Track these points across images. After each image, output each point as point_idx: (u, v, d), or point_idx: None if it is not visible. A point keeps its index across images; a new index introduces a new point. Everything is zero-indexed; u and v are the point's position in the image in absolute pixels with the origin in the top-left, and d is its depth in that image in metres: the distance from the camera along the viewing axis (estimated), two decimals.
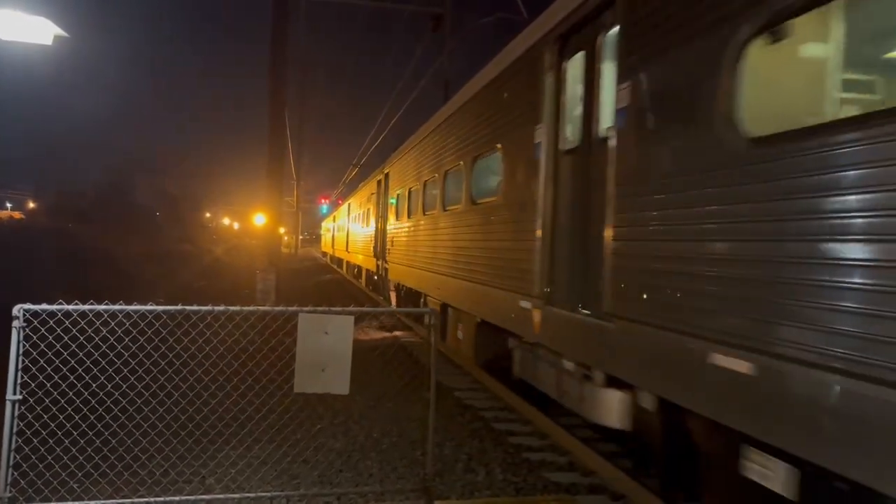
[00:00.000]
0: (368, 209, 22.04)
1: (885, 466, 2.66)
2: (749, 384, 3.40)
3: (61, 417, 5.22)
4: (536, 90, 6.49)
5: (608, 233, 4.98)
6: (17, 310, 4.44)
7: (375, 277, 20.83)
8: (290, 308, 5.01)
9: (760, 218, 3.38)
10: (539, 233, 6.31)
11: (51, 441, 5.13)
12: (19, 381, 4.44)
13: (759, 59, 3.55)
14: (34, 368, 4.86)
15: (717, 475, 4.26)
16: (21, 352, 4.42)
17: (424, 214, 12.18)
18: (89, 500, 4.80)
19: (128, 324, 5.00)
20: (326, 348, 4.85)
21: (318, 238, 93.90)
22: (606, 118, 5.28)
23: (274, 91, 16.13)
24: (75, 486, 5.08)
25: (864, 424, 2.75)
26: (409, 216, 13.90)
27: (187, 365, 6.03)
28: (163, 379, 5.89)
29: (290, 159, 45.55)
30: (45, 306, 4.50)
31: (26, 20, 7.80)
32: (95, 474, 5.17)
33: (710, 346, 3.71)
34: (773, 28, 3.40)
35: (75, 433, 5.27)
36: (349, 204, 32.21)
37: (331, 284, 30.84)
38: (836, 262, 2.94)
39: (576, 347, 5.64)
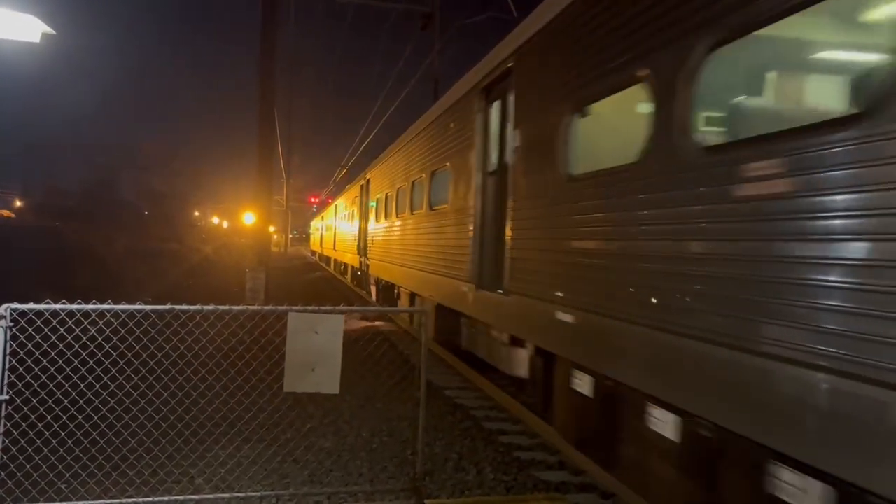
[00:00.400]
0: (353, 211, 23.85)
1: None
2: (573, 327, 5.29)
3: (49, 418, 5.19)
4: (471, 126, 8.40)
5: (507, 233, 6.85)
6: (3, 309, 4.40)
7: (359, 273, 22.62)
8: (280, 307, 5.00)
9: (581, 224, 5.29)
10: (471, 234, 8.13)
11: (38, 441, 5.09)
12: (6, 381, 4.39)
13: (577, 127, 5.56)
14: (21, 368, 4.83)
15: (560, 392, 5.98)
16: (8, 351, 4.38)
17: (397, 217, 13.82)
18: (77, 500, 4.77)
19: (116, 323, 4.97)
20: (316, 348, 4.84)
21: (307, 237, 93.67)
22: (510, 151, 7.00)
23: (263, 89, 16.08)
24: (63, 486, 5.05)
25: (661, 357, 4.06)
26: (385, 218, 15.59)
27: (176, 364, 6.01)
28: (151, 378, 5.87)
29: (279, 158, 45.43)
30: (32, 305, 4.46)
31: (13, 18, 7.73)
32: (83, 475, 5.14)
33: (557, 308, 5.52)
34: (583, 110, 5.47)
35: (63, 433, 5.23)
36: (336, 205, 34.16)
37: (320, 282, 30.80)
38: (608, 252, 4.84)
39: (495, 318, 7.47)
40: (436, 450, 6.54)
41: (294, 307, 4.97)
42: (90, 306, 4.58)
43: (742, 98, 4.07)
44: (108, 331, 5.08)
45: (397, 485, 5.53)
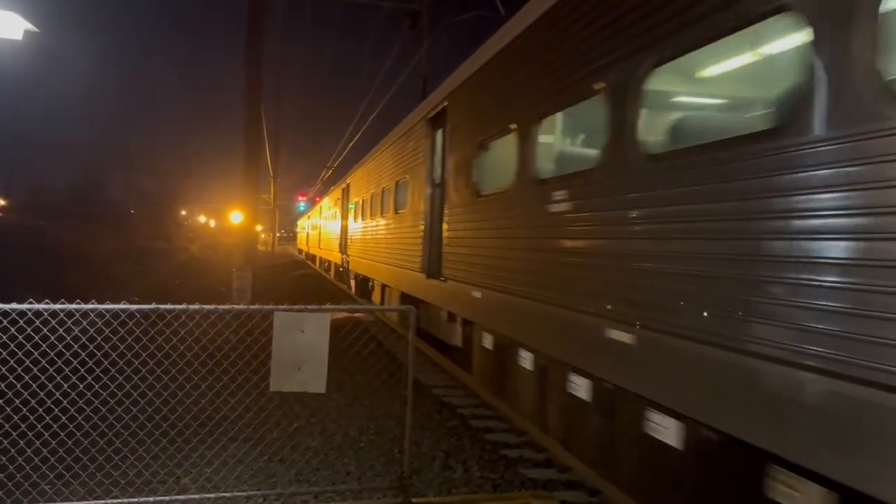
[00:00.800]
0: (336, 212, 26.21)
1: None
2: (480, 301, 7.25)
3: (32, 418, 5.15)
4: (422, 147, 10.43)
5: (444, 233, 8.92)
6: None
7: (341, 269, 25.14)
8: (266, 306, 4.98)
9: (485, 228, 7.24)
10: (422, 233, 10.14)
11: (21, 442, 5.06)
12: None
13: (480, 156, 7.55)
14: (3, 368, 4.79)
15: (476, 349, 8.03)
16: None
17: (371, 219, 15.96)
18: (61, 501, 4.73)
19: (100, 323, 4.94)
20: (303, 347, 4.83)
21: (295, 235, 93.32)
22: (446, 170, 9.04)
23: (250, 87, 16.01)
24: (47, 487, 5.02)
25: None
26: (362, 220, 17.68)
27: (161, 364, 5.97)
28: (136, 378, 5.84)
29: (266, 156, 45.26)
30: (14, 305, 4.42)
31: None
32: (67, 475, 5.10)
33: (472, 288, 7.51)
34: (484, 144, 7.44)
35: (46, 434, 5.19)
36: (320, 206, 36.70)
37: (306, 279, 30.75)
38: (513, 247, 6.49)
39: (438, 300, 9.33)
40: (423, 448, 6.55)
41: (280, 306, 4.96)
42: (74, 306, 4.54)
43: (562, 151, 6.34)
44: (91, 330, 5.05)
45: (385, 483, 5.52)
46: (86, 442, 5.35)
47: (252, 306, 5.16)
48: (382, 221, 14.28)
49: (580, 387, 5.29)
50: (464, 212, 8.03)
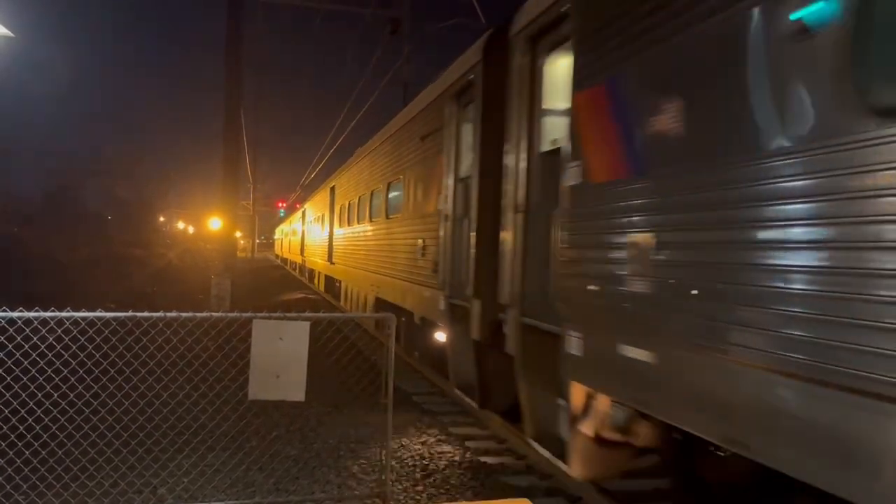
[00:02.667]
0: (294, 229, 31.60)
1: None
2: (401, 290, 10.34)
3: (5, 428, 5.06)
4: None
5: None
6: None
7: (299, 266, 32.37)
8: (245, 314, 4.95)
9: (388, 246, 11.61)
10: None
11: None
12: None
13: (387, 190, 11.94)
14: None
15: (406, 326, 10.81)
16: None
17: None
18: None
19: (75, 331, 4.87)
20: (282, 355, 4.80)
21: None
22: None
23: (229, 93, 15.93)
24: (20, 498, 4.93)
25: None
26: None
27: (138, 373, 5.90)
28: (112, 387, 5.76)
29: (246, 162, 45.04)
30: None
31: None
32: (41, 486, 5.01)
33: (398, 281, 10.80)
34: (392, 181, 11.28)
35: (20, 444, 5.10)
36: (303, 211, 35.82)
37: (284, 279, 30.55)
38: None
39: (380, 292, 12.41)
40: (403, 456, 6.52)
41: (259, 314, 4.93)
42: (48, 314, 4.48)
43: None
44: (66, 339, 4.98)
45: (364, 491, 5.50)
46: (60, 452, 5.26)
47: (231, 314, 5.12)
48: (359, 234, 14.99)
49: None
50: (379, 229, 12.32)
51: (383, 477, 5.19)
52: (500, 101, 6.46)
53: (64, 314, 4.51)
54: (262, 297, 23.34)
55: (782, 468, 2.92)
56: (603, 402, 4.57)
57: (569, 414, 4.83)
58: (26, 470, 5.03)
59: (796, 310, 2.82)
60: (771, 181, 2.96)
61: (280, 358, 4.82)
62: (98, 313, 4.63)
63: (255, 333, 4.81)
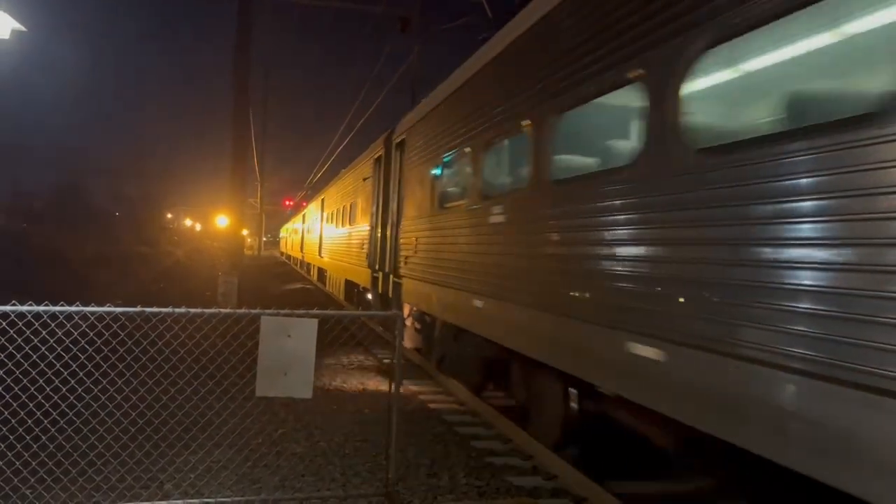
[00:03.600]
0: (316, 219, 32.06)
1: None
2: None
3: (13, 422, 5.08)
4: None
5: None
6: None
7: (315, 267, 34.46)
8: (252, 310, 4.95)
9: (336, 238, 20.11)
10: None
11: (2, 446, 4.98)
12: None
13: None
14: None
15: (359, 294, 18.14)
16: None
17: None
18: None
19: (84, 326, 4.88)
20: (289, 352, 4.80)
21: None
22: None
23: (238, 90, 15.96)
24: (28, 492, 4.94)
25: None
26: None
27: (146, 368, 5.92)
28: (120, 382, 5.78)
29: (254, 160, 45.11)
30: None
31: None
32: (49, 480, 5.03)
33: (346, 266, 18.87)
34: (352, 202, 18.48)
35: (28, 438, 5.13)
36: (303, 214, 43.43)
37: (288, 276, 30.61)
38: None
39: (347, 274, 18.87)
40: (409, 455, 6.52)
41: (266, 310, 4.93)
42: (57, 308, 4.50)
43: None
44: (76, 333, 4.99)
45: (370, 490, 5.49)
46: (67, 446, 5.28)
47: (238, 310, 5.13)
48: (346, 232, 19.60)
49: None
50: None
51: (388, 476, 5.18)
52: (388, 168, 13.22)
53: (73, 308, 4.53)
54: (266, 288, 26.35)
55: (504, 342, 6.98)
56: (413, 310, 11.40)
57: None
58: (34, 463, 5.05)
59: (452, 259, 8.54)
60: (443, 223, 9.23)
61: (287, 355, 4.82)
62: (107, 308, 4.64)
63: (263, 330, 4.81)
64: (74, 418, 5.38)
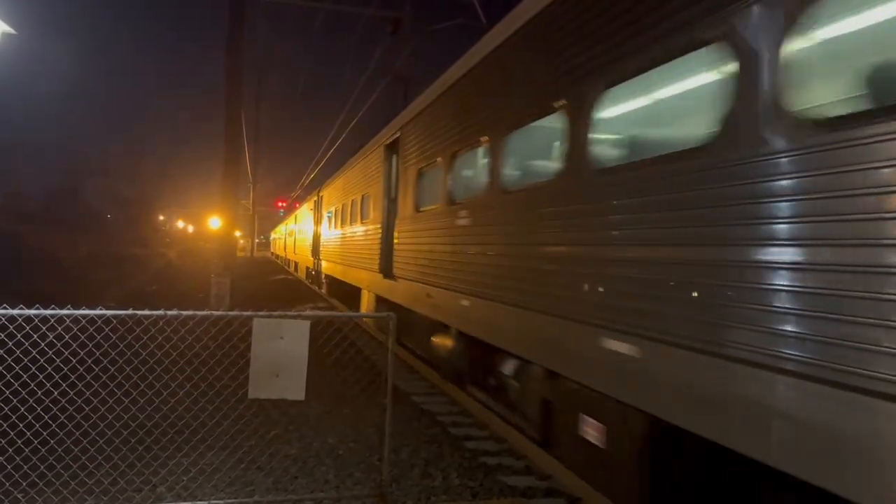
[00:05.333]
0: (289, 230, 39.46)
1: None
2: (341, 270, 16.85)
3: (5, 425, 5.06)
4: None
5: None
6: None
7: (282, 256, 43.13)
8: (245, 312, 4.95)
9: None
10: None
11: None
12: None
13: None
14: None
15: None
16: None
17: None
18: None
19: (76, 329, 4.87)
20: (281, 353, 4.80)
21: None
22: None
23: (230, 92, 15.93)
24: (20, 496, 4.93)
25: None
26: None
27: (138, 371, 5.91)
28: (112, 385, 5.76)
29: (246, 161, 45.04)
30: None
31: None
32: (41, 483, 5.02)
33: (341, 267, 17.76)
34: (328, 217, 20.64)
35: (19, 441, 5.11)
36: (294, 216, 44.16)
37: (279, 273, 30.59)
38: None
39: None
40: (402, 456, 6.52)
41: (259, 312, 4.93)
42: (49, 311, 4.48)
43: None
44: (66, 336, 4.98)
45: (363, 491, 5.50)
46: (59, 450, 5.27)
47: (231, 312, 5.12)
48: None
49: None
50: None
51: (382, 477, 5.19)
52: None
53: (64, 312, 4.52)
54: (258, 284, 27.84)
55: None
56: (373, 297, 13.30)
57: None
58: (25, 467, 5.04)
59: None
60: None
61: (280, 357, 4.82)
62: (98, 311, 4.64)
63: (256, 332, 4.82)
64: (66, 422, 5.36)
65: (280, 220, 70.26)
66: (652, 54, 4.17)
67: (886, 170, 2.67)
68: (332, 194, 20.26)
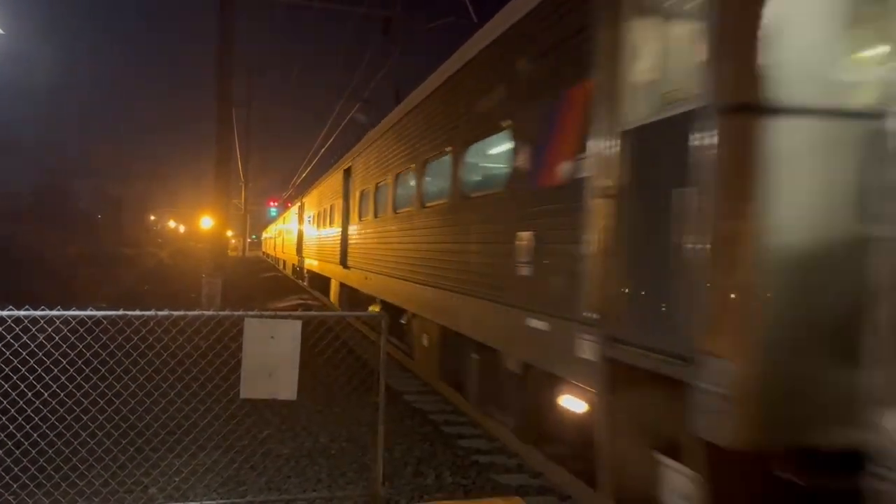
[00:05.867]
0: (281, 231, 42.54)
1: None
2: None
3: None
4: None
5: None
6: None
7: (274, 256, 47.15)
8: (236, 312, 4.94)
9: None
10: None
11: None
12: None
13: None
14: None
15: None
16: None
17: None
18: None
19: (66, 330, 4.85)
20: (273, 353, 4.79)
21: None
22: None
23: (221, 91, 15.88)
24: (10, 497, 4.91)
25: None
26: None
27: (129, 371, 5.88)
28: (103, 386, 5.74)
29: (237, 161, 44.90)
30: None
31: None
32: (31, 485, 5.00)
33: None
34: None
35: (10, 443, 5.08)
36: (283, 218, 48.71)
37: (270, 271, 30.53)
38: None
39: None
40: (395, 454, 6.53)
41: (250, 312, 4.92)
42: (38, 312, 4.46)
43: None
44: (57, 337, 4.96)
45: (356, 490, 5.50)
46: (50, 451, 5.24)
47: (222, 312, 5.11)
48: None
49: None
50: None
51: (375, 476, 5.19)
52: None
53: (54, 313, 4.49)
54: (250, 282, 28.30)
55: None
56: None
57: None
58: (16, 469, 5.01)
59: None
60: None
61: (272, 357, 4.81)
62: (88, 312, 4.62)
63: (247, 332, 4.80)
64: (57, 423, 5.33)
65: (272, 220, 70.26)
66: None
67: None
68: (310, 203, 26.08)
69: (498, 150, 6.99)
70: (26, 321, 4.53)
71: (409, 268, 9.71)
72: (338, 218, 17.00)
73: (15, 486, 4.93)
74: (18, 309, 4.42)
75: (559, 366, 5.06)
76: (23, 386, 5.01)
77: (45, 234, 37.77)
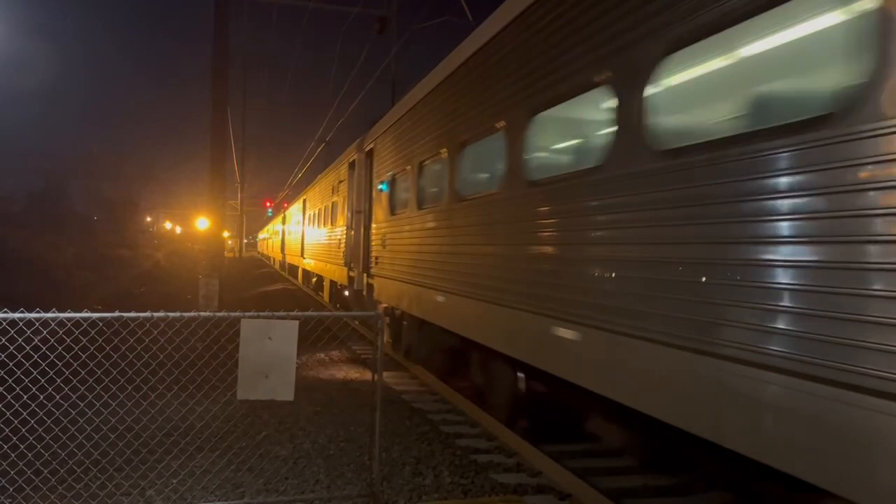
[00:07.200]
0: (273, 233, 44.98)
1: None
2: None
3: None
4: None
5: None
6: None
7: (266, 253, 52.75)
8: (233, 313, 4.91)
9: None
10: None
11: None
12: None
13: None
14: None
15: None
16: None
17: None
18: None
19: (61, 332, 4.82)
20: (270, 354, 4.77)
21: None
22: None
23: (216, 92, 15.83)
24: (6, 501, 4.88)
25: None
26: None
27: (125, 374, 5.86)
28: (99, 388, 5.71)
29: (233, 161, 44.85)
30: None
31: None
32: (28, 489, 4.97)
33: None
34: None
35: (6, 446, 5.06)
36: (283, 216, 48.94)
37: (267, 274, 30.48)
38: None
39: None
40: (393, 454, 6.51)
41: (247, 313, 4.90)
42: (34, 315, 4.43)
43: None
44: (52, 340, 4.93)
45: (354, 490, 5.48)
46: (46, 454, 5.22)
47: (218, 313, 5.08)
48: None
49: None
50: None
51: (373, 476, 5.17)
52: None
53: (49, 315, 4.47)
54: (246, 279, 29.05)
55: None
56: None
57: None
58: (12, 473, 4.98)
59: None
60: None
61: (268, 357, 4.79)
62: (84, 314, 4.59)
63: (244, 333, 4.78)
64: (53, 426, 5.31)
65: (268, 221, 70.34)
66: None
67: None
68: (292, 212, 28.77)
69: None
70: (21, 323, 4.51)
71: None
72: (317, 224, 19.24)
73: (11, 489, 4.90)
74: (13, 311, 4.40)
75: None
76: (18, 389, 4.99)
77: (39, 236, 37.64)
